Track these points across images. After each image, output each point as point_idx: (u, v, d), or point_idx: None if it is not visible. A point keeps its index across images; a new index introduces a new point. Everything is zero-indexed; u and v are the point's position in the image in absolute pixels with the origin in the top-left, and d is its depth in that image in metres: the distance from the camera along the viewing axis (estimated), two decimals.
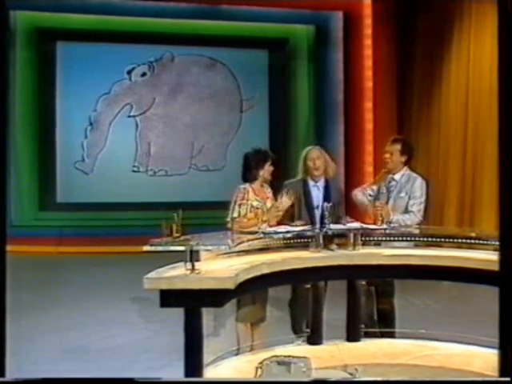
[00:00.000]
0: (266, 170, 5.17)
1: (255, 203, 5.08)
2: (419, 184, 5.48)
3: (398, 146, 5.50)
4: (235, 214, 5.05)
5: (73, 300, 7.97)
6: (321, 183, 5.39)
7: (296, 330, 5.24)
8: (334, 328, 5.06)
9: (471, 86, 10.71)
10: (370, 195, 5.59)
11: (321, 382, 3.39)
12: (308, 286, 4.91)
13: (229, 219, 5.09)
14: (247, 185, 5.16)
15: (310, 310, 4.90)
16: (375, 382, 3.83)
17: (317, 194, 5.37)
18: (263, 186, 5.23)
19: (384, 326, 5.33)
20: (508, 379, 2.40)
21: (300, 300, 5.24)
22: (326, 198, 5.25)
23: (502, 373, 2.41)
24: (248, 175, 5.19)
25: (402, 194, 5.44)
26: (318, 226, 4.92)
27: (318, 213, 5.27)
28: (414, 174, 5.56)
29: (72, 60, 13.14)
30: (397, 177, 5.50)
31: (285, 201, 5.03)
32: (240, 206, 5.06)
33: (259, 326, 5.03)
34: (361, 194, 5.64)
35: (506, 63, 2.42)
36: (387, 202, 5.37)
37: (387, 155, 5.53)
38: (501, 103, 2.43)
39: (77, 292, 8.50)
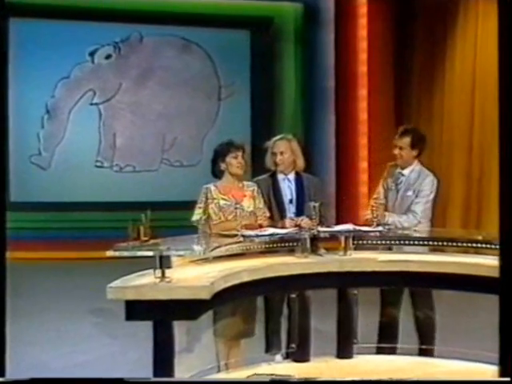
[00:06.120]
0: (229, 164, 5.10)
1: (222, 202, 5.06)
2: (430, 181, 5.49)
3: (408, 139, 5.43)
4: (194, 218, 5.05)
5: (31, 311, 7.93)
6: (291, 176, 5.48)
7: (270, 346, 5.26)
8: (323, 343, 5.05)
9: (478, 70, 10.75)
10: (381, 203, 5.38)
11: (311, 382, 3.43)
12: (294, 295, 4.91)
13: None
14: (211, 184, 5.15)
15: (296, 323, 4.90)
16: (369, 382, 3.86)
17: (288, 186, 5.47)
18: (238, 183, 5.17)
19: (383, 340, 5.32)
20: (508, 379, 2.50)
21: (274, 313, 5.28)
22: (299, 190, 5.41)
23: (502, 373, 2.48)
24: (213, 170, 5.21)
25: (409, 193, 5.42)
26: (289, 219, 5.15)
27: (292, 207, 5.41)
28: (426, 171, 5.54)
29: (27, 39, 12.97)
30: (406, 172, 5.48)
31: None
32: (200, 208, 5.06)
33: (239, 342, 5.01)
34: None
35: (506, 56, 2.46)
36: (396, 200, 5.40)
37: (396, 151, 5.47)
38: (501, 99, 2.46)
39: (36, 302, 8.47)
